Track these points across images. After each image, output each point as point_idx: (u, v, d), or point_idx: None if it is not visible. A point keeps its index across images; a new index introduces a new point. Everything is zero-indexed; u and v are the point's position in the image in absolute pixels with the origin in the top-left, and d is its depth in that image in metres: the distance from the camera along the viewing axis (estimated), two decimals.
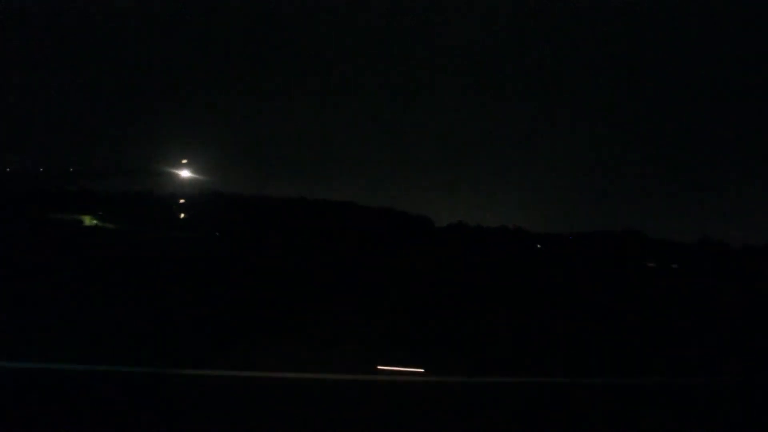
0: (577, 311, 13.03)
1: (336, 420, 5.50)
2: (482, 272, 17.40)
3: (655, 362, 9.71)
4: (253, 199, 25.85)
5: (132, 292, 10.27)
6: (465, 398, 6.78)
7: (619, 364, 9.42)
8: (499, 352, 9.32)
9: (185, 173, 22.02)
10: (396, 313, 11.08)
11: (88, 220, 19.61)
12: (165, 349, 7.52)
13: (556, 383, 7.89)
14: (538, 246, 25.81)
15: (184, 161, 22.15)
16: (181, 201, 23.11)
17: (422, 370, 7.80)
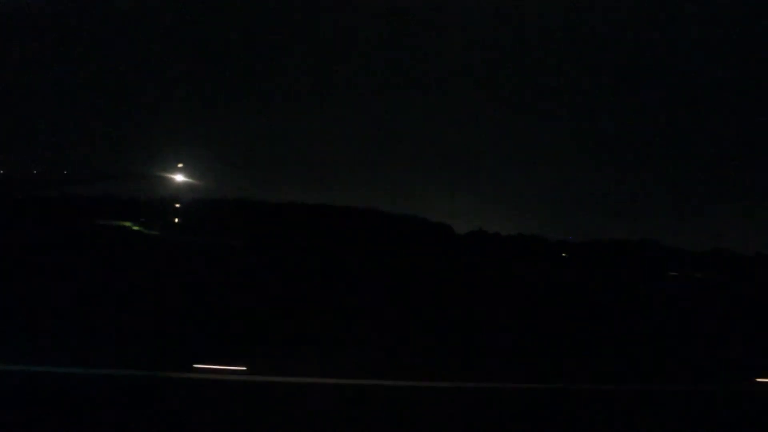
0: (603, 319, 13.18)
1: (338, 424, 5.73)
2: (503, 279, 17.55)
3: (684, 369, 9.85)
4: (278, 206, 25.92)
5: (142, 296, 10.50)
6: (475, 403, 6.97)
7: (650, 370, 9.53)
8: (516, 357, 9.52)
9: (180, 177, 21.60)
10: (413, 318, 11.31)
11: (129, 226, 19.81)
12: (169, 352, 7.72)
13: (577, 389, 8.09)
14: (564, 255, 25.69)
15: (180, 165, 21.86)
16: (177, 205, 22.52)
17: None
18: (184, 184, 21.69)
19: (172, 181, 21.54)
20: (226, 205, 23.39)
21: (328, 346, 8.95)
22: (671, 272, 23.29)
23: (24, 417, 5.12)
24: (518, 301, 14.68)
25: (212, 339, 8.73)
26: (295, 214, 24.70)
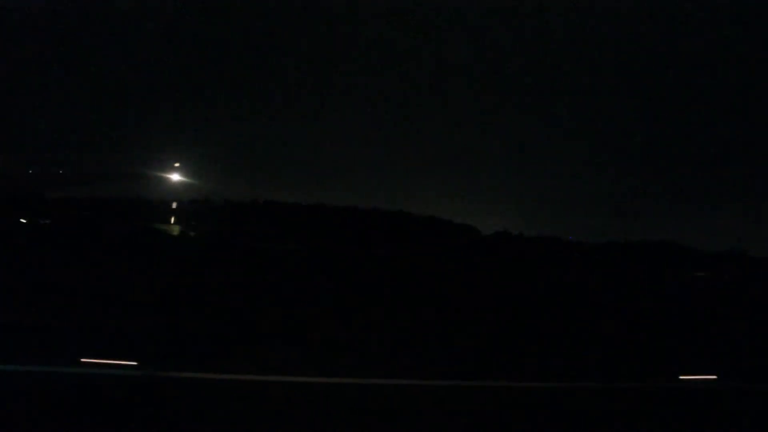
0: (628, 320, 13.16)
1: (339, 424, 5.83)
2: (524, 280, 17.59)
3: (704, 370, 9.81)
4: (306, 207, 26.09)
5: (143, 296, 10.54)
6: (478, 402, 7.08)
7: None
8: (534, 359, 9.63)
9: (176, 177, 20.57)
10: (435, 318, 11.51)
11: (175, 230, 19.85)
12: (168, 351, 7.78)
13: (582, 388, 8.20)
14: (596, 257, 25.43)
15: (176, 164, 20.73)
16: (173, 206, 21.88)
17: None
18: (181, 184, 20.76)
19: (168, 180, 20.77)
20: (254, 207, 23.89)
21: (344, 348, 9.08)
22: (698, 273, 23.03)
23: (24, 417, 5.24)
24: (538, 301, 14.76)
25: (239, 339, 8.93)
26: (325, 215, 25.03)
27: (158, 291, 11.12)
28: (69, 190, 22.61)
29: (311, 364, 7.97)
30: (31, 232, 19.64)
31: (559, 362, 9.73)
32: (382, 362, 8.57)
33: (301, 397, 6.52)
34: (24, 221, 20.93)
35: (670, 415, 7.33)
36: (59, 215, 20.85)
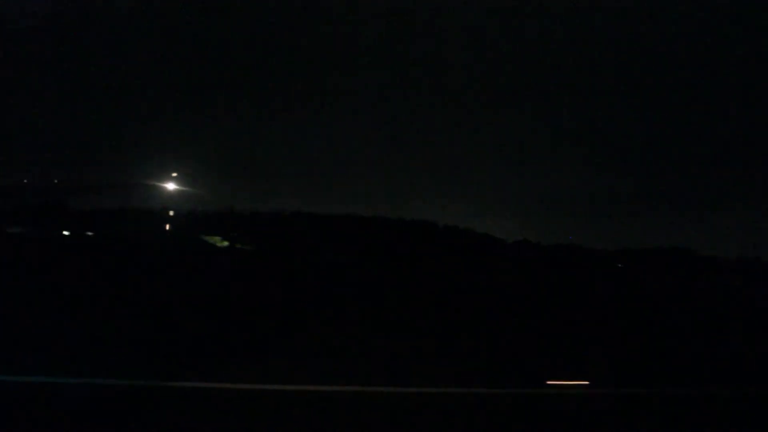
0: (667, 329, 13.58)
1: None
2: (542, 288, 18.12)
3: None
4: (334, 218, 26.63)
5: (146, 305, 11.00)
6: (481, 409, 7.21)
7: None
8: (557, 365, 10.03)
9: (173, 186, 20.63)
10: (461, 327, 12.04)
11: (218, 242, 20.18)
12: (179, 361, 7.65)
13: (587, 394, 8.58)
14: (619, 265, 25.75)
15: (174, 174, 20.97)
16: (171, 213, 22.12)
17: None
18: (178, 193, 20.89)
19: (164, 190, 20.82)
20: (289, 218, 24.50)
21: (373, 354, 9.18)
22: (715, 279, 23.44)
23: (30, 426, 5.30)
24: (554, 308, 15.23)
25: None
26: (350, 226, 25.69)
27: (212, 300, 11.83)
28: (70, 200, 22.93)
29: (344, 374, 7.94)
30: (76, 243, 20.48)
31: (576, 367, 10.00)
32: (405, 368, 8.53)
33: (310, 405, 6.49)
34: (67, 233, 21.67)
35: (679, 420, 7.53)
36: (95, 227, 21.86)
